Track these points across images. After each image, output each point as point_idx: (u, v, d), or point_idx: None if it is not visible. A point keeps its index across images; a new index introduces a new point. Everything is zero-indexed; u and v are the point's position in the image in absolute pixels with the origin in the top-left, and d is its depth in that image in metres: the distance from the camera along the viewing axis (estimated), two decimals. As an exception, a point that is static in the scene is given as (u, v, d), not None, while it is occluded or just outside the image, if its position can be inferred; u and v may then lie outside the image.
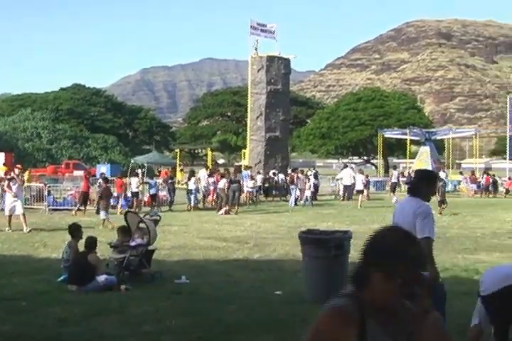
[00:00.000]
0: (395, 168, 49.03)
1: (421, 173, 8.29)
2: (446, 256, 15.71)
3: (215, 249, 17.14)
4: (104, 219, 22.60)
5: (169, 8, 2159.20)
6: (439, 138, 64.71)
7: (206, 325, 9.15)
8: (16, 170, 22.23)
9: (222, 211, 28.99)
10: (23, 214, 21.06)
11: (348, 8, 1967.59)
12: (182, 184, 36.45)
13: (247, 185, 34.98)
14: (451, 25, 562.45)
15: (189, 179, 32.25)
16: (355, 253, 14.41)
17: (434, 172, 9.17)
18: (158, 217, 14.44)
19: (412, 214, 7.26)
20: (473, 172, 50.01)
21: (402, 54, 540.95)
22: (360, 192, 35.96)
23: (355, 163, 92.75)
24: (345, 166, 45.28)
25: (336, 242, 10.47)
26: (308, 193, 35.10)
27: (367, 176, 41.11)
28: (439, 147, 65.30)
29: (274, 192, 40.06)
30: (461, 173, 52.44)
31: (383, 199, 38.94)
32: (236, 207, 29.62)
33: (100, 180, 30.08)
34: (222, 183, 30.24)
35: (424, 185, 7.63)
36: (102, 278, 11.63)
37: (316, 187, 38.75)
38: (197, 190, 31.99)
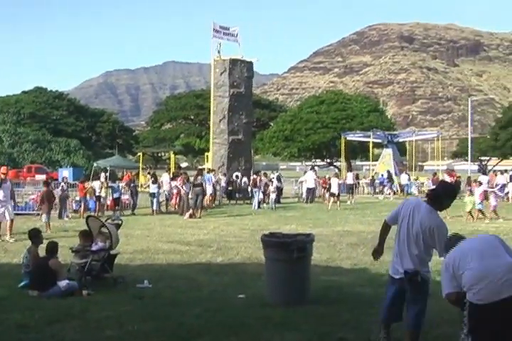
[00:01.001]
0: (350, 170, 49.52)
1: (451, 191, 8.32)
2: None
3: (178, 253, 17.08)
4: (46, 223, 22.64)
5: (132, 10, 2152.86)
6: (401, 140, 65.16)
7: (169, 329, 9.10)
8: (2, 170, 20.77)
9: (187, 215, 28.91)
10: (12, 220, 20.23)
11: (310, 11, 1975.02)
12: (145, 187, 36.32)
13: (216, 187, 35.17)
14: (413, 28, 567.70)
15: (152, 182, 32.20)
16: (317, 256, 14.53)
17: (457, 190, 9.31)
18: (120, 221, 14.33)
19: (434, 227, 7.73)
20: (435, 174, 50.34)
21: (364, 57, 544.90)
22: (333, 195, 36.18)
23: (318, 166, 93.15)
24: (312, 168, 45.56)
25: (298, 245, 10.46)
26: (272, 196, 35.18)
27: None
28: (401, 149, 65.72)
29: (237, 195, 40.06)
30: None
31: (345, 201, 39.07)
32: (199, 211, 29.55)
33: (62, 184, 29.95)
34: (186, 186, 30.25)
35: (449, 202, 8.07)
36: (63, 283, 11.50)
37: (279, 189, 38.81)
38: (159, 194, 31.95)
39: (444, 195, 7.97)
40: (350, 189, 42.35)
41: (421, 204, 7.98)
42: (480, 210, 27.95)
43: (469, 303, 6.08)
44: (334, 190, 36.40)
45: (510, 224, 26.02)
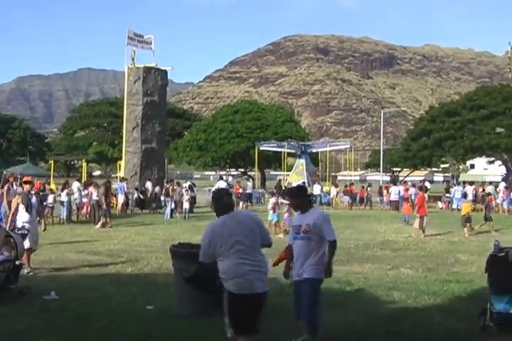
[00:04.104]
0: (249, 178, 50.12)
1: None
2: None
3: (87, 264, 16.80)
4: None
5: (46, 15, 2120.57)
6: (315, 150, 65.76)
7: (74, 343, 8.93)
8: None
9: (99, 224, 28.55)
10: None
11: (227, 21, 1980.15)
12: (56, 196, 35.68)
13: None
14: (329, 40, 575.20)
15: (62, 190, 31.74)
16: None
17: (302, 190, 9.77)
18: (26, 231, 14.02)
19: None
20: (350, 185, 50.83)
21: (280, 68, 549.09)
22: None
23: (232, 175, 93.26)
24: (221, 178, 45.70)
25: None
26: (186, 205, 35.03)
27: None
28: (315, 160, 66.28)
29: (150, 205, 39.75)
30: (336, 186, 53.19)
31: (257, 211, 39.16)
32: (109, 220, 29.23)
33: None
34: (96, 195, 29.94)
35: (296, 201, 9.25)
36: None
37: (192, 199, 38.65)
38: (69, 203, 31.47)
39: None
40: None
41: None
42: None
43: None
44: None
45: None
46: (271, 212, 26.79)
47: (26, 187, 15.86)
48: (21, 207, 15.01)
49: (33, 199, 15.78)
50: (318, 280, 8.69)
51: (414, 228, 26.63)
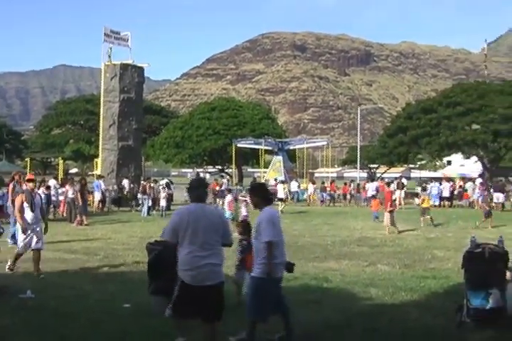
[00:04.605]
0: (223, 175, 50.14)
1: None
2: (297, 265, 15.86)
3: (64, 262, 16.73)
4: None
5: (22, 12, 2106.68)
6: (292, 147, 65.76)
7: (50, 341, 8.87)
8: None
9: (76, 222, 28.43)
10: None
11: (204, 18, 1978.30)
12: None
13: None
14: (306, 38, 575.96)
15: (38, 188, 31.47)
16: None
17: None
18: (1, 230, 13.93)
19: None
20: (332, 182, 50.99)
21: (257, 65, 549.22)
22: (281, 200, 39.00)
23: (209, 173, 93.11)
24: (197, 175, 45.69)
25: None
26: (162, 203, 34.98)
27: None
28: (292, 156, 66.29)
29: (128, 202, 39.64)
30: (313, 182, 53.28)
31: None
32: (85, 218, 29.10)
33: None
34: (71, 193, 29.81)
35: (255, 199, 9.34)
36: None
37: (169, 196, 38.56)
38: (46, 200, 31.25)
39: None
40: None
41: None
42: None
43: None
44: (281, 195, 39.48)
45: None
46: (227, 208, 26.75)
47: (29, 185, 15.32)
48: (25, 206, 14.62)
49: (37, 198, 15.23)
50: (258, 278, 8.78)
51: (385, 225, 26.69)
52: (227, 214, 25.82)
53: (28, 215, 14.58)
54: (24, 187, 16.84)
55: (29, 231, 14.44)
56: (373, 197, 32.28)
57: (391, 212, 26.41)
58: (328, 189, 49.52)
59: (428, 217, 29.27)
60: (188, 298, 7.93)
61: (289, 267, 9.37)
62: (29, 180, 15.56)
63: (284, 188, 41.61)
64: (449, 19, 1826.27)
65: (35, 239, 14.46)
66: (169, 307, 8.23)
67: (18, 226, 14.81)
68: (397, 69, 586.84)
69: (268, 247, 8.61)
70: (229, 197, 27.67)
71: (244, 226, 11.74)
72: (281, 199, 39.12)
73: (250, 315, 8.88)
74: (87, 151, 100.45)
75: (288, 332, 9.04)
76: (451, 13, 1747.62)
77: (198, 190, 8.30)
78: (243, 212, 26.34)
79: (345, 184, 51.49)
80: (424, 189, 37.38)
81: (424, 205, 29.93)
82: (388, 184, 32.81)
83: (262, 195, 9.20)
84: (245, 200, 26.82)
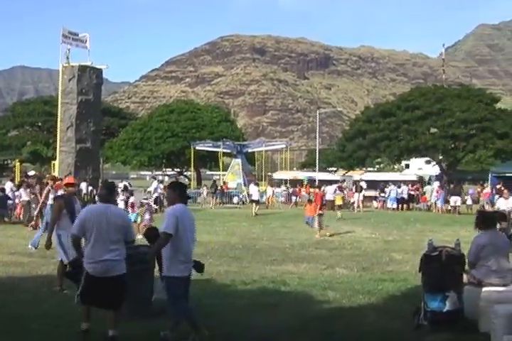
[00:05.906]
0: (155, 178, 50.06)
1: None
2: (255, 268, 15.87)
3: (19, 265, 16.52)
4: None
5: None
6: (251, 150, 65.83)
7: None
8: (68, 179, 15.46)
9: (31, 225, 28.10)
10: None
11: (163, 20, 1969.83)
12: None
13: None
14: (265, 41, 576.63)
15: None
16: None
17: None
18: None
19: None
20: (307, 185, 51.40)
21: (216, 67, 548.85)
22: (255, 201, 39.63)
23: (168, 175, 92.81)
24: (154, 178, 45.67)
25: (140, 257, 10.31)
26: (120, 205, 34.71)
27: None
28: (251, 159, 66.31)
29: (85, 205, 39.26)
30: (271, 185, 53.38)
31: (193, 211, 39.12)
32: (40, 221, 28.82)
33: None
34: (25, 195, 29.55)
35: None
36: None
37: (127, 199, 38.28)
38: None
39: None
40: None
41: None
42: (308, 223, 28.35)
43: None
44: (255, 197, 40.25)
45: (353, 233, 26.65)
46: (130, 211, 26.26)
47: (70, 189, 13.90)
48: (64, 213, 13.13)
49: (77, 205, 13.64)
50: (167, 277, 9.05)
51: (315, 228, 26.61)
52: (130, 216, 25.62)
53: (65, 224, 12.97)
54: (61, 192, 15.81)
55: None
56: (309, 201, 31.24)
57: (320, 215, 26.39)
58: (303, 192, 50.36)
59: (339, 213, 32.34)
60: (92, 287, 8.74)
61: (198, 267, 9.61)
62: (68, 185, 14.11)
63: (259, 190, 41.70)
64: (407, 24, 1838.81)
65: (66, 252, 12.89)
66: (76, 295, 9.09)
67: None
68: (356, 73, 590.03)
69: (162, 238, 8.89)
70: (130, 199, 27.52)
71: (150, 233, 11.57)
72: (255, 201, 39.45)
73: (175, 316, 9.26)
74: (45, 153, 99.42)
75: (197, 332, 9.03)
76: (409, 17, 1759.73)
77: (105, 191, 9.39)
78: (146, 216, 26.17)
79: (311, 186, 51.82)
80: (382, 191, 37.86)
81: (337, 202, 35.04)
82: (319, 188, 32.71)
83: (179, 191, 9.36)
84: (148, 203, 26.92)
